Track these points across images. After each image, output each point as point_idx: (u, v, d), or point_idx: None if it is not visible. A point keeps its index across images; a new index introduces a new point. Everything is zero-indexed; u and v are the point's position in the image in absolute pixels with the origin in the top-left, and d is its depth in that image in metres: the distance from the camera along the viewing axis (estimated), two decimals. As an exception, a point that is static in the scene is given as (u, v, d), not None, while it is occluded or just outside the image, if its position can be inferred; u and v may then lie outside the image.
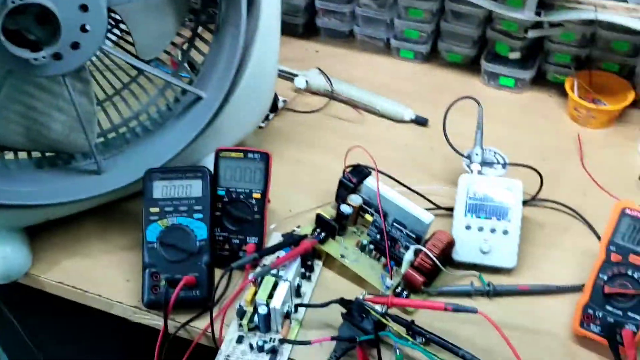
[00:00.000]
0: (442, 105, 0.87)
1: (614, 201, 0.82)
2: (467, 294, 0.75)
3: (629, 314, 0.67)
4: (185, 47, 0.89)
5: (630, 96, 0.96)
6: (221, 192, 0.76)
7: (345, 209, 0.77)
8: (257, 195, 0.76)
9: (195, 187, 0.75)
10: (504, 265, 0.77)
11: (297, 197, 0.87)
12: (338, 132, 0.99)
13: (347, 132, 0.99)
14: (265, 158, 0.76)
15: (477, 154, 0.83)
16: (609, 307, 0.68)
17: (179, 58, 0.89)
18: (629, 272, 0.68)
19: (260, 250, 0.74)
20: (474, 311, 0.65)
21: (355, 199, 0.78)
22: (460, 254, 0.78)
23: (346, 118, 1.02)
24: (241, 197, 0.76)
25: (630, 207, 0.69)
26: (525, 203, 0.85)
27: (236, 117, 0.82)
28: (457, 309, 0.66)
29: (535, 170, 0.85)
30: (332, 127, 1.00)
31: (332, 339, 0.65)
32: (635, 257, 0.68)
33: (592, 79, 1.00)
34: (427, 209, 0.80)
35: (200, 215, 0.74)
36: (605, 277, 0.69)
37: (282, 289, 0.69)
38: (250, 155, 0.77)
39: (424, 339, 0.68)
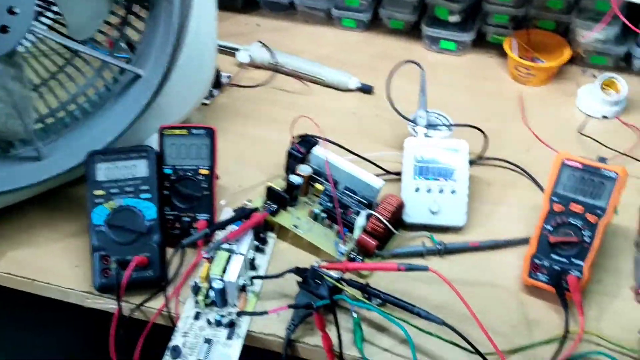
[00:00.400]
0: (387, 73, 0.88)
1: (556, 155, 0.85)
2: (420, 254, 0.77)
3: (574, 260, 0.70)
4: (121, 26, 0.86)
5: (567, 52, 0.99)
6: (168, 171, 0.75)
7: (295, 179, 0.77)
8: (204, 172, 0.75)
9: (140, 167, 0.73)
10: (454, 224, 0.79)
11: (246, 171, 0.86)
12: (284, 104, 0.98)
13: (294, 103, 0.99)
14: (210, 133, 0.75)
15: (421, 117, 0.84)
16: (554, 256, 0.71)
17: (116, 38, 0.86)
18: (571, 221, 0.70)
19: (211, 226, 0.73)
20: (425, 269, 0.67)
21: (304, 169, 0.78)
22: (411, 215, 0.79)
23: (292, 90, 1.01)
24: (188, 174, 0.75)
25: (569, 158, 0.71)
26: (471, 163, 0.87)
27: (178, 94, 0.81)
28: (410, 268, 0.67)
29: (480, 129, 0.87)
30: (278, 100, 0.99)
31: (289, 307, 0.66)
32: (576, 205, 0.70)
33: (530, 37, 1.02)
34: (376, 175, 0.81)
35: (147, 195, 0.72)
36: (550, 227, 0.71)
37: (236, 262, 0.69)
38: (194, 131, 0.75)
39: (380, 301, 0.69)
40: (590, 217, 0.69)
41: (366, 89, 0.99)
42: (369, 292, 0.68)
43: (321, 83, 1.00)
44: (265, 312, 0.66)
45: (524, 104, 0.97)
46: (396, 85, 0.88)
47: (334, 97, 1.00)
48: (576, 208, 0.70)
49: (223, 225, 0.72)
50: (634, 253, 0.76)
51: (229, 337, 0.67)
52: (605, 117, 0.94)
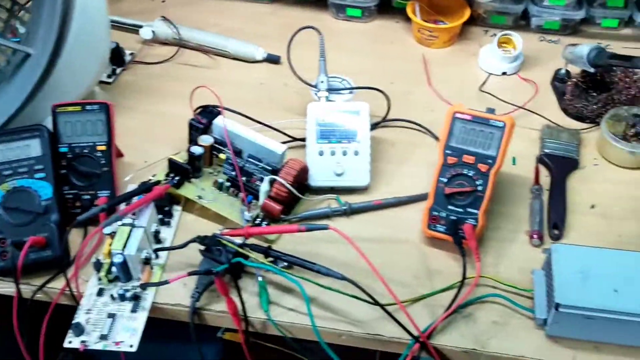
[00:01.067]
0: (295, 42, 0.88)
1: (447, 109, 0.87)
2: (326, 216, 0.78)
3: (468, 209, 0.72)
4: (11, 7, 0.84)
5: (467, 13, 1.01)
6: (63, 149, 0.74)
7: (196, 149, 0.77)
8: (101, 148, 0.74)
9: (33, 147, 0.72)
10: (359, 184, 0.80)
11: (153, 147, 0.85)
12: (190, 79, 0.97)
13: (200, 78, 0.97)
14: (105, 108, 0.74)
15: (322, 82, 0.84)
16: (450, 207, 0.73)
17: (5, 19, 0.84)
18: (464, 172, 0.72)
19: (109, 201, 0.72)
20: (324, 228, 0.68)
21: (205, 139, 0.78)
22: (316, 179, 0.80)
23: (198, 64, 1.00)
24: (85, 151, 0.74)
25: (459, 110, 0.73)
26: (377, 125, 0.89)
27: (72, 71, 0.79)
28: (310, 228, 0.68)
29: (381, 91, 0.89)
30: (184, 75, 0.98)
31: (189, 274, 0.66)
32: (468, 156, 0.72)
33: (433, 1, 1.04)
34: (283, 142, 0.82)
35: (42, 175, 0.71)
36: (445, 180, 0.73)
37: (136, 235, 0.68)
38: (88, 107, 0.74)
39: (286, 263, 0.70)
40: (482, 167, 0.72)
41: (273, 59, 0.99)
42: (271, 254, 0.69)
43: (228, 56, 1.00)
44: (166, 282, 0.66)
45: (429, 65, 0.99)
46: (304, 54, 0.89)
47: (242, 69, 1.00)
48: (468, 159, 0.72)
49: (121, 200, 0.71)
50: (529, 200, 0.80)
51: (134, 310, 0.67)
52: (504, 73, 0.97)
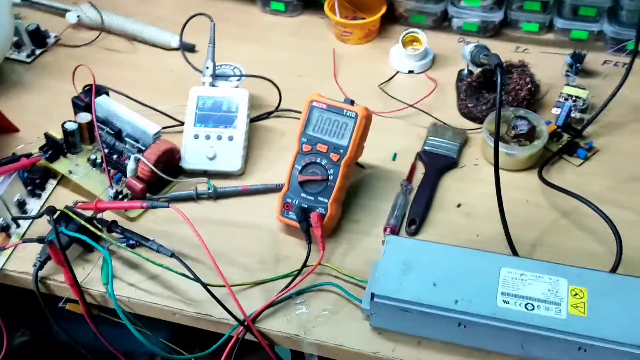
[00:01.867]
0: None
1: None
2: (192, 198, 0.79)
3: (319, 198, 0.72)
4: None
5: (383, 10, 1.01)
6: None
7: (69, 125, 0.79)
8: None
9: None
10: (230, 169, 0.81)
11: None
12: (108, 62, 1.00)
13: (117, 61, 1.01)
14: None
15: (207, 67, 0.86)
16: (303, 194, 0.73)
17: None
18: (318, 160, 0.73)
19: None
20: (165, 206, 0.69)
21: (83, 117, 0.80)
22: (189, 162, 0.81)
23: (118, 49, 1.03)
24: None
25: (317, 100, 0.73)
26: (270, 114, 0.90)
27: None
28: (151, 206, 0.70)
29: (271, 81, 0.90)
30: (102, 59, 1.01)
31: (23, 241, 0.68)
32: (322, 145, 0.72)
33: (353, -3, 1.05)
34: (169, 126, 0.84)
35: None
36: (300, 167, 0.73)
37: (-10, 202, 0.71)
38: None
39: (132, 241, 0.72)
40: (334, 156, 0.72)
41: (187, 48, 1.01)
42: (113, 229, 0.71)
43: (146, 42, 1.03)
44: (3, 248, 0.68)
45: (340, 61, 1.00)
46: (225, 45, 0.91)
47: (158, 56, 1.02)
48: (322, 148, 0.72)
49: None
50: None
51: (-21, 273, 0.70)
52: (411, 71, 0.96)
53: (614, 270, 0.66)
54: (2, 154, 0.81)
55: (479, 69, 0.88)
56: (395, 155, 0.84)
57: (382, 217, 0.77)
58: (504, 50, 0.97)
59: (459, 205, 0.77)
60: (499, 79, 0.69)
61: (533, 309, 0.59)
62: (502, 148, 0.79)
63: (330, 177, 0.72)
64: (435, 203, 0.78)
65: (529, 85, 0.85)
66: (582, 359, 0.58)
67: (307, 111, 0.73)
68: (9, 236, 0.73)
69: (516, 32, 1.03)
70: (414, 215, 0.75)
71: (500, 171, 0.79)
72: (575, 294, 0.60)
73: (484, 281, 0.62)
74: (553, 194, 0.77)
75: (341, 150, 0.72)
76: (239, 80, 0.87)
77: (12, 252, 0.74)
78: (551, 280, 0.61)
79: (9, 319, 0.74)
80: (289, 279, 0.70)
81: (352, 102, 0.73)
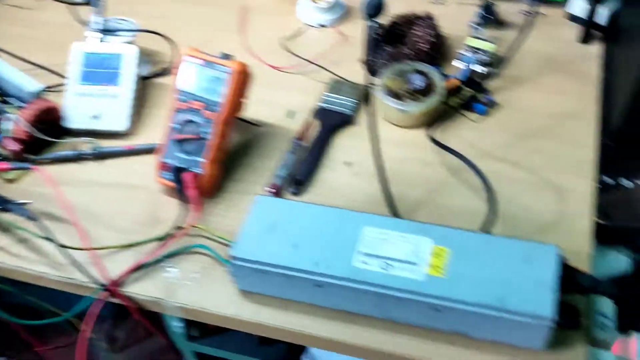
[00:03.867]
0: None
1: (261, 65, 0.84)
2: (74, 159, 0.76)
3: (195, 158, 0.69)
4: None
5: (294, -39, 0.97)
6: None
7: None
8: None
9: None
10: (116, 128, 0.78)
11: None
12: (14, 19, 0.97)
13: (28, 19, 0.97)
14: None
15: (95, 22, 0.82)
16: (178, 154, 0.70)
17: None
18: (193, 118, 0.69)
19: None
20: (27, 168, 0.67)
21: (-40, 75, 0.78)
22: (73, 121, 0.78)
23: (25, 6, 0.99)
24: None
25: (190, 54, 0.70)
26: (165, 71, 0.86)
27: None
28: (14, 168, 0.68)
29: (164, 36, 0.86)
30: (9, 15, 0.98)
31: None
32: (197, 102, 0.69)
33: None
34: (58, 84, 0.81)
35: None
36: (176, 126, 0.70)
37: None
38: None
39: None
40: (209, 114, 0.69)
41: (94, 4, 0.96)
42: (-22, 190, 0.69)
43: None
44: None
45: (247, 14, 0.95)
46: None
47: (67, 14, 0.98)
48: (197, 105, 0.69)
49: None
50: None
51: None
52: (323, 25, 0.92)
53: (484, 229, 0.64)
54: None
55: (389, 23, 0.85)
56: (292, 112, 0.81)
57: (268, 176, 0.74)
58: (421, 2, 0.94)
59: (348, 164, 0.74)
60: (368, 30, 0.65)
61: (391, 269, 0.57)
62: (394, 104, 0.75)
63: (206, 136, 0.69)
64: (325, 162, 0.75)
65: (432, 39, 0.81)
66: (439, 319, 0.56)
67: (181, 66, 0.70)
68: None
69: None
70: (299, 175, 0.72)
71: (394, 128, 0.78)
72: (437, 254, 0.57)
73: (345, 242, 0.59)
74: (445, 152, 0.75)
75: (215, 108, 0.68)
76: (133, 36, 0.83)
77: None
78: (415, 240, 0.59)
79: None
80: (162, 242, 0.68)
81: (228, 57, 0.69)
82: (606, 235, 0.66)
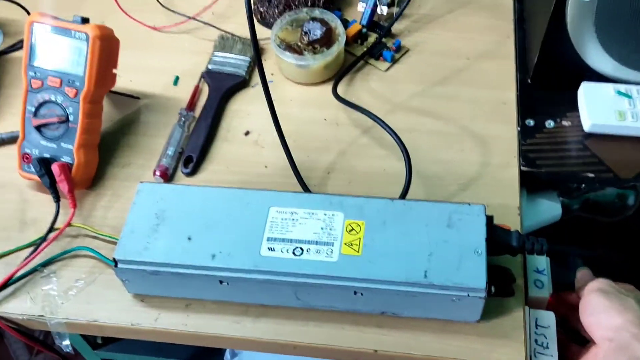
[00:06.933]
0: None
1: (136, 25, 0.73)
2: None
3: (62, 145, 0.58)
4: None
5: None
6: None
7: None
8: None
9: None
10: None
11: None
12: None
13: None
14: None
15: None
16: (42, 142, 0.59)
17: None
18: (52, 98, 0.58)
19: None
20: None
21: None
22: None
23: None
24: None
25: (38, 20, 0.58)
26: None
27: None
28: None
29: (14, 1, 0.73)
30: None
31: None
32: (54, 78, 0.58)
33: None
34: None
35: None
36: (33, 109, 0.59)
37: None
38: None
39: None
40: (70, 91, 0.57)
41: None
42: None
43: None
44: None
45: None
46: None
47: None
48: (54, 81, 0.58)
49: None
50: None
51: None
52: (205, -25, 0.81)
53: (403, 195, 0.57)
54: None
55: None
56: (177, 78, 0.70)
57: (156, 157, 0.64)
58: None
59: (247, 133, 0.65)
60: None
61: (302, 253, 0.49)
62: (292, 59, 0.66)
63: (71, 118, 0.58)
64: (220, 133, 0.65)
65: (327, -21, 0.72)
66: (362, 302, 0.50)
67: (28, 36, 0.58)
68: None
69: None
70: (191, 152, 0.63)
71: (296, 86, 0.69)
72: (351, 230, 0.50)
73: (248, 227, 0.51)
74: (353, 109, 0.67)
75: (77, 83, 0.57)
76: (-30, 3, 0.70)
77: None
78: (326, 217, 0.51)
79: None
80: (34, 248, 0.57)
81: (84, 21, 0.58)
82: (533, 182, 0.61)
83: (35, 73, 0.58)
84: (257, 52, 0.52)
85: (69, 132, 0.58)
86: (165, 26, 0.74)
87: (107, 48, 0.58)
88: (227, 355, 0.78)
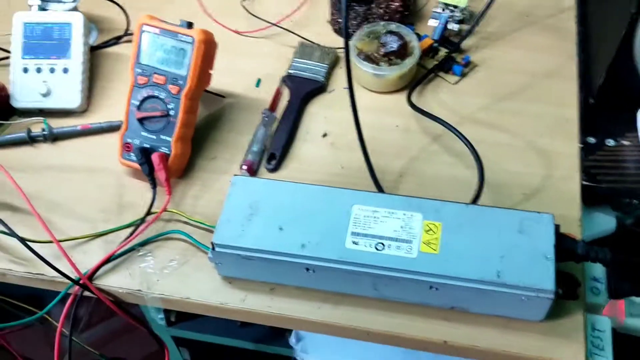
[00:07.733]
0: None
1: (221, 29, 0.78)
2: (26, 141, 0.70)
3: (161, 136, 0.64)
4: None
5: None
6: None
7: None
8: None
9: None
10: (68, 105, 0.71)
11: None
12: None
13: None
14: None
15: (34, -12, 0.74)
16: (143, 133, 0.65)
17: None
18: (156, 93, 0.64)
19: None
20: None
21: None
22: (20, 100, 0.71)
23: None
24: None
25: (148, 23, 0.64)
26: (118, 39, 0.79)
27: None
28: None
29: (113, 1, 0.79)
30: None
31: None
32: (159, 76, 0.64)
33: None
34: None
35: None
36: (137, 103, 0.65)
37: None
38: None
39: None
40: (173, 88, 0.63)
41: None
42: None
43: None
44: None
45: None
46: None
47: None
48: (159, 79, 0.64)
49: None
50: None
51: None
52: (284, -16, 0.87)
53: (474, 200, 0.62)
54: None
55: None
56: (259, 81, 0.76)
57: (242, 153, 0.69)
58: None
59: (324, 135, 0.71)
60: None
61: (383, 248, 0.54)
62: (370, 69, 0.71)
63: (171, 113, 0.63)
64: (300, 134, 0.71)
65: (404, -5, 0.77)
66: (435, 296, 0.55)
67: (138, 37, 0.63)
68: None
69: None
70: (274, 149, 0.68)
71: (370, 94, 0.74)
72: (429, 230, 0.55)
73: (334, 222, 0.56)
74: (424, 117, 0.72)
75: (180, 81, 0.63)
76: (74, 2, 0.76)
77: None
78: (405, 216, 0.56)
79: None
80: (132, 229, 0.63)
81: (189, 25, 0.64)
82: (592, 196, 0.65)
83: (142, 70, 0.64)
84: (347, 63, 0.58)
85: (169, 126, 0.63)
86: (247, 31, 0.80)
87: (208, 51, 0.63)
88: (292, 339, 0.83)
